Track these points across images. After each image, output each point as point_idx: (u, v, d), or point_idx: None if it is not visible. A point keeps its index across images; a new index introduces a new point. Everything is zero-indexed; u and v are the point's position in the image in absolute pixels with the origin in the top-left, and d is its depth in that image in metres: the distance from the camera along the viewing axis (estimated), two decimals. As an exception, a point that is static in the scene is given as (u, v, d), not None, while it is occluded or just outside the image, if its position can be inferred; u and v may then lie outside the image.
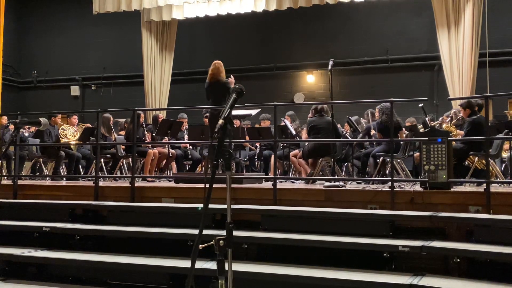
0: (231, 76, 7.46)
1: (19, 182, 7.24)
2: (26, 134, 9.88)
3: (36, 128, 9.28)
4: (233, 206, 5.34)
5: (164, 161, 8.82)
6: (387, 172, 7.45)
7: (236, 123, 8.85)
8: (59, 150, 8.69)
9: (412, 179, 7.10)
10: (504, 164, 8.36)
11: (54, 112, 9.34)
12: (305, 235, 5.01)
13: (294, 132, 8.45)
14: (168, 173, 9.17)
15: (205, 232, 2.75)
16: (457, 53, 10.03)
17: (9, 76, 15.71)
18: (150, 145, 8.62)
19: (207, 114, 9.40)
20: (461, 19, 10.00)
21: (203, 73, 13.10)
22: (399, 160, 7.60)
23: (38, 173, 9.50)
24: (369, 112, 9.22)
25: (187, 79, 13.96)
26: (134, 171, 6.77)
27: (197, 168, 9.28)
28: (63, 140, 8.88)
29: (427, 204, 5.25)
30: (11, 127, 8.78)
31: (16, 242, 5.91)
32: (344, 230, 5.06)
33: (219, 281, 2.68)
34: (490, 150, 6.74)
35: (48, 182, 8.25)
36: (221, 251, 2.61)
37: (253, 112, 8.69)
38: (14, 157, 7.53)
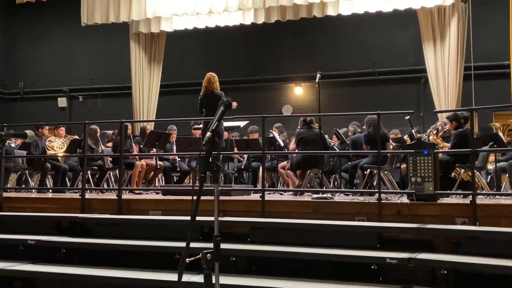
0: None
1: (5, 194, 7.15)
2: (13, 145, 9.77)
3: (22, 141, 9.19)
4: (221, 219, 5.34)
5: (152, 173, 8.78)
6: (374, 184, 7.48)
7: (225, 134, 8.84)
8: (46, 162, 8.61)
9: (399, 191, 7.14)
10: (489, 176, 8.43)
11: (41, 123, 9.25)
12: (293, 247, 5.01)
13: (282, 144, 8.47)
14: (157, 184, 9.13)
15: (193, 245, 2.75)
16: (443, 66, 10.16)
17: (-4, 87, 15.60)
18: (137, 157, 8.58)
19: (196, 126, 9.40)
20: (447, 33, 10.14)
21: (192, 85, 13.32)
22: (386, 172, 7.64)
23: (24, 185, 9.39)
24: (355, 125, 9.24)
25: (176, 91, 13.94)
26: (121, 183, 6.73)
27: (185, 180, 9.25)
28: (49, 152, 8.81)
29: (414, 216, 5.29)
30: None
31: (1, 256, 5.82)
32: (332, 242, 5.07)
33: (207, 295, 2.67)
34: (476, 162, 6.81)
35: (34, 194, 8.16)
36: (208, 265, 2.60)
37: (242, 124, 8.69)
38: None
